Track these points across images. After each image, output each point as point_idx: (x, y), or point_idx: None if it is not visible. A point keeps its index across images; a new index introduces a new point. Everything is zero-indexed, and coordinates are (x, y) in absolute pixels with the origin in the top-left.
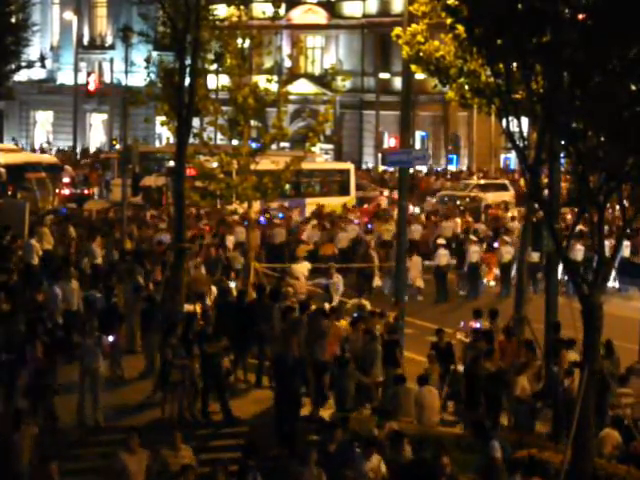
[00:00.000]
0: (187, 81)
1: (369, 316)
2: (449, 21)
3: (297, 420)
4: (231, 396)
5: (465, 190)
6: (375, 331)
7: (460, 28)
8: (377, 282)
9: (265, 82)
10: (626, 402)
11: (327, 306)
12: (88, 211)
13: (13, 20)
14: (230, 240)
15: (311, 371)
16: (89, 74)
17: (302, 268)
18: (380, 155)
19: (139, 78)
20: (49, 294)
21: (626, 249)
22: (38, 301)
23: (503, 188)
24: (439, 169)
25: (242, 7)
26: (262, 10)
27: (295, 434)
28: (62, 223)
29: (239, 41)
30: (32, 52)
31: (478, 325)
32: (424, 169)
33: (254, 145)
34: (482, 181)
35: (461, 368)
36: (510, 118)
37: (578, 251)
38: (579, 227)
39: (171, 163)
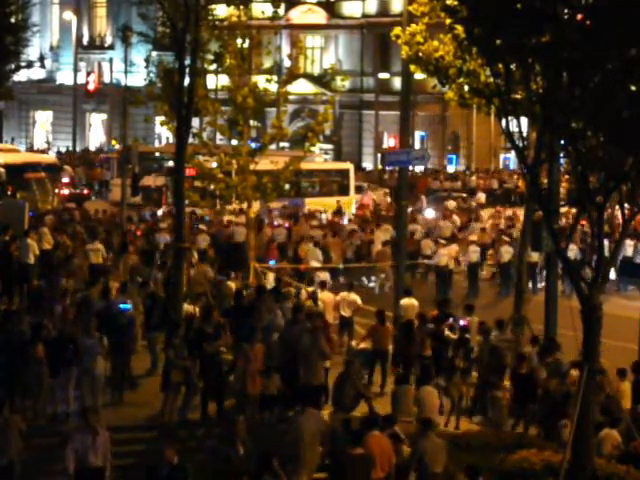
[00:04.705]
0: (187, 81)
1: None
2: (448, 21)
3: None
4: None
5: None
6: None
7: (459, 28)
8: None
9: (264, 82)
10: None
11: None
12: (84, 211)
13: (13, 20)
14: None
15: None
16: (88, 74)
17: None
18: (379, 155)
19: (139, 78)
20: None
21: (629, 248)
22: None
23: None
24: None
25: (242, 7)
26: (261, 10)
27: None
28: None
29: (238, 41)
30: (32, 52)
31: (464, 322)
32: (419, 169)
33: (253, 145)
34: None
35: None
36: (509, 118)
37: (571, 251)
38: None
39: (171, 163)
